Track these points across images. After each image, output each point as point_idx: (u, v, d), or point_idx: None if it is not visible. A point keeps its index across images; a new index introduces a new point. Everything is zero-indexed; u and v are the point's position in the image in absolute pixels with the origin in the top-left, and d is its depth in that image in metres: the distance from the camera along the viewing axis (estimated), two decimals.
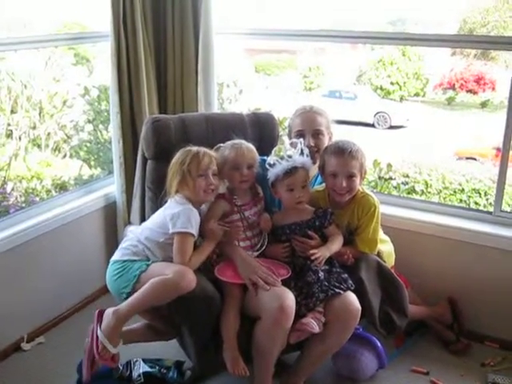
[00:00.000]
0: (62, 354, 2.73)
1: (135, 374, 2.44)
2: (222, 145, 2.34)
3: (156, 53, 3.19)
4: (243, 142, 2.32)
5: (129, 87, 3.04)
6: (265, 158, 2.54)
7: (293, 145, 2.29)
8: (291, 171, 2.23)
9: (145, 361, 2.51)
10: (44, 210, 2.92)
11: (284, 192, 2.26)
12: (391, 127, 10.36)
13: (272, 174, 2.25)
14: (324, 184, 2.42)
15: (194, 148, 2.22)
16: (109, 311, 2.08)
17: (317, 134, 2.52)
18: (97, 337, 2.07)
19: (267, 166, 2.26)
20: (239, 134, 2.40)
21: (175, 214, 2.13)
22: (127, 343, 2.27)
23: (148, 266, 2.11)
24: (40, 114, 5.89)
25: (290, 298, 2.07)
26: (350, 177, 2.29)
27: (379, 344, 2.52)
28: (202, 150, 2.22)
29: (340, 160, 2.29)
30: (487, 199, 6.92)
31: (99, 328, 2.07)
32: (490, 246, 2.76)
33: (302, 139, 2.35)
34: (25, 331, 2.78)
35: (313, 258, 2.15)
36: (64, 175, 5.32)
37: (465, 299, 2.86)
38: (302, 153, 2.26)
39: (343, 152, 2.29)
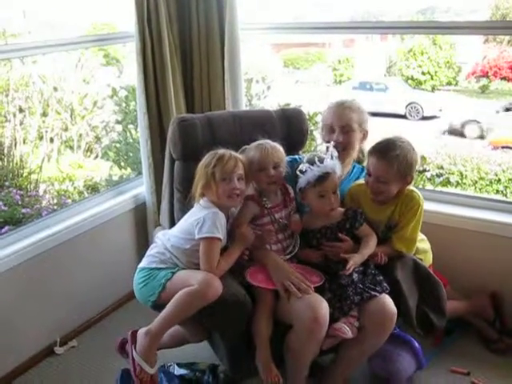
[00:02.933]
0: (95, 357, 2.73)
1: None
2: (247, 146, 2.28)
3: (181, 51, 3.16)
4: (268, 141, 2.25)
5: (155, 87, 3.02)
6: (296, 157, 2.48)
7: (326, 150, 2.22)
8: (323, 177, 2.16)
9: (179, 365, 2.48)
10: (75, 213, 2.92)
11: (315, 199, 2.19)
12: (424, 118, 10.20)
13: (303, 180, 2.18)
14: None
15: (221, 151, 2.15)
16: (141, 332, 2.06)
17: (346, 129, 2.41)
18: (133, 359, 2.04)
19: (298, 173, 2.18)
20: (268, 131, 2.34)
21: (200, 218, 2.08)
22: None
23: (174, 273, 2.07)
24: (71, 115, 5.95)
25: (323, 307, 2.00)
26: (383, 182, 2.22)
27: (417, 344, 2.43)
28: (228, 152, 2.14)
29: (375, 162, 2.23)
30: None
31: (134, 350, 2.05)
32: None
33: (332, 143, 2.28)
34: (57, 335, 2.79)
35: (347, 268, 2.09)
36: (95, 176, 5.37)
37: (508, 296, 2.76)
38: (331, 157, 2.20)
39: (380, 154, 2.22)
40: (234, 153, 2.17)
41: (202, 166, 2.15)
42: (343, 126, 2.42)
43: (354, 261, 2.11)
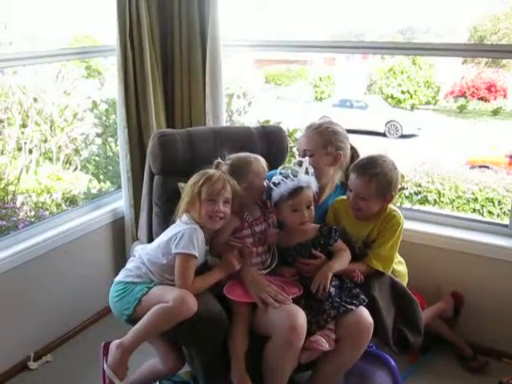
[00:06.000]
0: (70, 372, 2.69)
1: None
2: (231, 157, 2.23)
3: (163, 66, 3.16)
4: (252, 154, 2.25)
5: (136, 101, 3.01)
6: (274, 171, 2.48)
7: (299, 163, 2.22)
8: (296, 191, 2.14)
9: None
10: (52, 226, 2.89)
11: (288, 212, 2.17)
12: (402, 136, 10.31)
13: (276, 193, 2.16)
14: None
15: (211, 171, 2.14)
16: (113, 345, 2.04)
17: (308, 153, 2.36)
18: (104, 371, 2.03)
19: (271, 186, 2.17)
20: (248, 148, 2.33)
21: (179, 233, 2.06)
22: None
23: (149, 288, 2.06)
24: (51, 127, 5.90)
25: (301, 317, 2.01)
26: (362, 198, 2.24)
27: (393, 362, 2.43)
28: (218, 173, 2.12)
29: (354, 178, 2.26)
30: (501, 208, 6.85)
31: (105, 362, 2.04)
32: (507, 260, 2.69)
33: (307, 158, 2.28)
34: (32, 349, 2.75)
35: (312, 289, 2.09)
36: (74, 189, 5.32)
37: (481, 315, 2.79)
38: (306, 172, 2.18)
39: (360, 171, 2.24)
40: (224, 175, 2.13)
41: (190, 183, 2.12)
42: (304, 149, 2.40)
43: (322, 277, 2.11)
